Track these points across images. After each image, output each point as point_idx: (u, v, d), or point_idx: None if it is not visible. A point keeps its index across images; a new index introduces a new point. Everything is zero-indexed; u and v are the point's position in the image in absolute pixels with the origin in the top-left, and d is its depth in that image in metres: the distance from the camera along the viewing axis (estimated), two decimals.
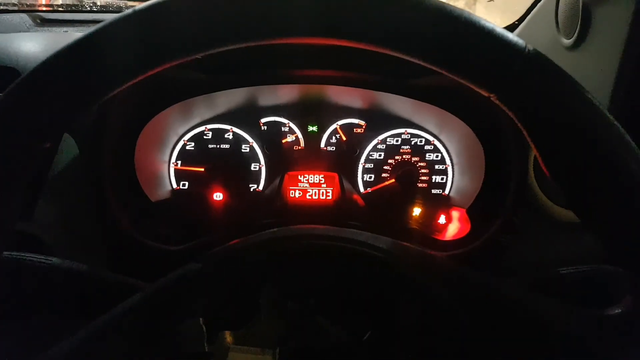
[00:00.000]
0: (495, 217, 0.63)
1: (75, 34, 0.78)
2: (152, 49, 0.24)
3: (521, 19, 0.77)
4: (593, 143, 0.25)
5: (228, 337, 0.37)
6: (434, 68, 0.26)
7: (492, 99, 0.27)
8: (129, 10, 0.24)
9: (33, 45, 0.68)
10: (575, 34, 0.57)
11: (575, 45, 0.58)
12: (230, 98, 0.73)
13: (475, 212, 0.70)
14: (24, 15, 0.82)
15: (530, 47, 0.25)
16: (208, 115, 0.78)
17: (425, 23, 0.24)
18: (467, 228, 0.70)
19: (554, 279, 0.55)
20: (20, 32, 0.79)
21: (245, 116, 0.78)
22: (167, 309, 0.36)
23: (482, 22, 0.24)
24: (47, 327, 0.45)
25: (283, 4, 0.23)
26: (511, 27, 0.78)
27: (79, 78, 0.24)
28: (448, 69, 0.26)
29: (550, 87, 0.25)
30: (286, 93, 0.75)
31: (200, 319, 0.35)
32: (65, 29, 0.82)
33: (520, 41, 0.25)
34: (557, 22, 0.62)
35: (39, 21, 0.83)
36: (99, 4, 0.89)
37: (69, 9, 0.96)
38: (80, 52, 0.24)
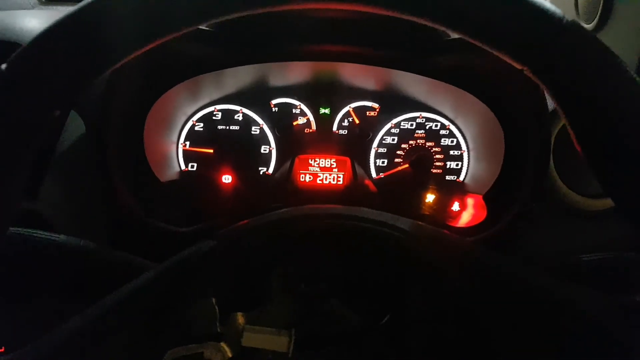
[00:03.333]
0: (513, 204, 0.61)
1: None
2: (158, 16, 0.23)
3: None
4: (632, 121, 0.24)
5: (240, 318, 0.36)
6: (465, 37, 0.25)
7: (525, 72, 0.25)
8: None
9: (38, 22, 0.67)
10: (596, 19, 0.55)
11: (595, 31, 0.56)
12: (240, 77, 0.71)
13: (492, 198, 0.68)
14: None
15: (568, 17, 0.23)
16: (217, 95, 0.76)
17: None
18: (483, 215, 0.68)
19: (575, 266, 0.53)
20: (24, 9, 0.78)
21: (256, 97, 0.76)
22: (179, 288, 0.35)
23: None
24: (54, 305, 0.44)
25: None
26: None
27: (83, 46, 0.23)
28: (480, 39, 0.25)
29: (588, 60, 0.24)
30: (298, 73, 0.73)
31: (213, 299, 0.34)
32: (69, 7, 0.81)
33: (557, 11, 0.23)
34: (576, 7, 0.61)
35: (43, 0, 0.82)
36: None
37: None
38: (83, 19, 0.23)
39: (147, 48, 0.25)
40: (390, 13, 0.24)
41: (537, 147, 0.58)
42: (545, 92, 0.26)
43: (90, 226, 0.64)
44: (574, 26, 0.23)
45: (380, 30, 0.60)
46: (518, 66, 0.25)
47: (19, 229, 0.44)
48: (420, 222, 0.39)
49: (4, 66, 0.23)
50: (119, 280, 0.46)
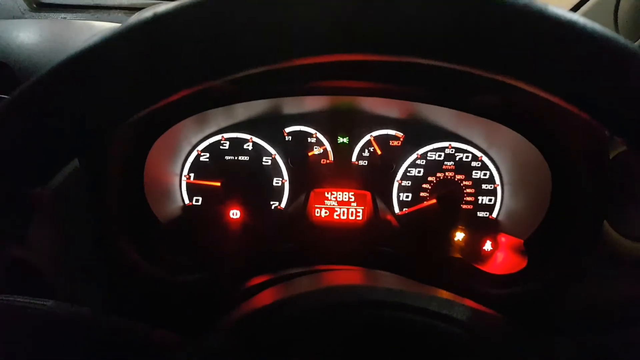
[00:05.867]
0: (561, 255, 0.54)
1: (74, 21, 0.71)
2: (161, 76, 0.19)
3: None
4: None
5: None
6: (559, 102, 0.20)
7: (611, 132, 0.22)
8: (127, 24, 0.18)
9: (27, 36, 0.62)
10: None
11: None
12: (251, 106, 0.64)
13: (536, 245, 0.60)
14: None
15: None
16: (225, 123, 0.69)
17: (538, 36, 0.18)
18: (522, 263, 0.61)
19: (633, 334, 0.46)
20: (14, 18, 0.73)
21: (268, 125, 0.70)
22: None
23: (622, 41, 0.18)
24: None
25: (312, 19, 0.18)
26: None
27: (70, 113, 0.20)
28: (574, 103, 0.19)
29: None
30: (314, 100, 0.66)
31: None
32: (63, 15, 0.76)
33: None
34: (616, 23, 0.56)
35: (34, 6, 0.76)
36: None
37: None
38: (67, 81, 0.19)
39: (158, 105, 0.21)
40: (453, 66, 0.19)
41: (594, 193, 0.50)
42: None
43: (84, 276, 0.57)
44: None
45: (407, 65, 0.52)
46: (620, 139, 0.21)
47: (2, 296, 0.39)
48: (482, 308, 0.31)
49: None
50: (115, 350, 0.40)
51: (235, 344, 0.31)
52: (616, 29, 0.58)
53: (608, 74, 0.18)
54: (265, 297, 0.35)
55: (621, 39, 0.18)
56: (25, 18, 0.75)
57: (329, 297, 0.33)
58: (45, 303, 0.40)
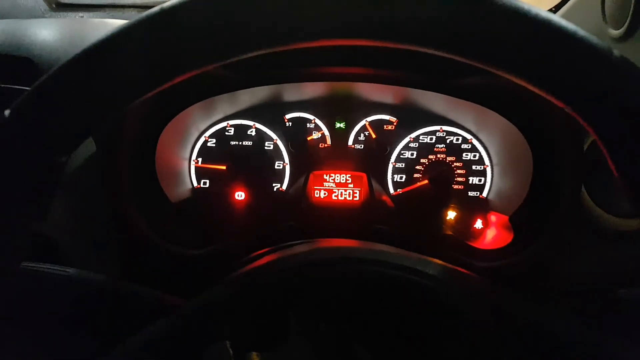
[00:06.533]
0: (543, 228, 0.57)
1: (90, 20, 0.76)
2: (171, 58, 0.22)
3: (558, 7, 0.70)
4: None
5: (255, 358, 0.33)
6: (503, 74, 0.22)
7: (567, 110, 0.23)
8: (144, 15, 0.21)
9: (48, 34, 0.66)
10: (625, 25, 0.52)
11: (624, 37, 0.52)
12: (254, 93, 0.69)
13: (520, 220, 0.64)
14: None
15: (617, 52, 0.21)
16: (230, 110, 0.74)
17: (496, 24, 0.20)
18: (508, 237, 0.64)
19: (612, 302, 0.49)
20: (35, 17, 0.78)
21: (269, 112, 0.74)
22: (193, 333, 0.33)
23: (564, 23, 0.20)
24: (65, 339, 0.43)
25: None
26: None
27: (90, 91, 0.22)
28: (519, 76, 0.22)
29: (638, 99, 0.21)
30: (312, 88, 0.70)
31: (227, 342, 0.32)
32: (81, 14, 0.80)
33: (606, 46, 0.21)
34: (603, 11, 0.57)
35: (54, 6, 0.81)
36: None
37: None
38: (90, 63, 0.22)
39: (161, 88, 0.24)
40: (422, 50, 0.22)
41: (571, 166, 0.54)
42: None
43: (100, 248, 0.62)
44: (624, 63, 0.21)
45: (400, 51, 0.57)
46: (560, 105, 0.23)
47: (27, 263, 0.43)
48: (451, 266, 0.36)
49: (7, 112, 0.22)
50: (130, 313, 0.44)
51: (234, 296, 0.35)
52: (603, 16, 0.60)
53: (552, 55, 0.20)
54: (262, 260, 0.39)
55: (562, 21, 0.20)
56: (46, 17, 0.81)
57: (316, 255, 0.37)
58: (66, 270, 0.45)
